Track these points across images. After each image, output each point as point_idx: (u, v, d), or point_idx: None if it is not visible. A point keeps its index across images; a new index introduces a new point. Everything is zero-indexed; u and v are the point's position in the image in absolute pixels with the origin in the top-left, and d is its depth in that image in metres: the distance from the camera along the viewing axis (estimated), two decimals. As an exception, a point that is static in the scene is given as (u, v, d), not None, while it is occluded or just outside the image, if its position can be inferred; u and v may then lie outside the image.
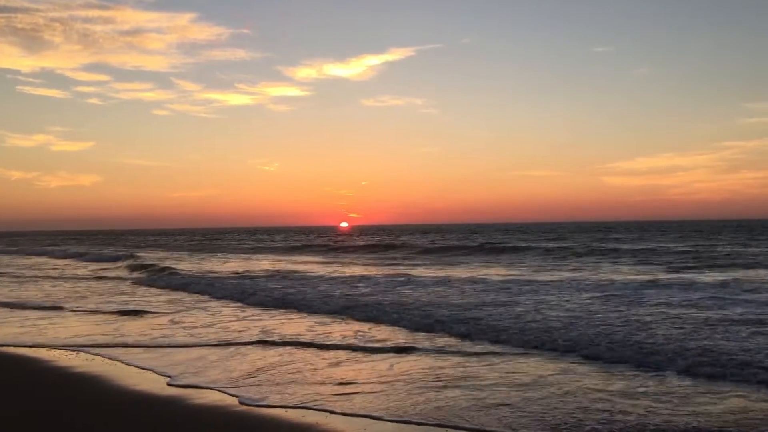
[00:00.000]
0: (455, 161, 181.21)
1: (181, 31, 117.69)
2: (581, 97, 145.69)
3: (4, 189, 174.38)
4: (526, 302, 13.22)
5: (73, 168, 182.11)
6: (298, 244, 57.49)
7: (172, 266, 28.05)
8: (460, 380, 7.15)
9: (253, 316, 12.93)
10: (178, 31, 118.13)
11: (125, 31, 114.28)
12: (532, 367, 7.80)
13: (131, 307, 14.44)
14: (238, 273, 24.28)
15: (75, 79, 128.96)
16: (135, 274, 25.56)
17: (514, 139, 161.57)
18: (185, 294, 17.58)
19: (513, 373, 7.48)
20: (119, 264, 32.29)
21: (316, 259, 37.28)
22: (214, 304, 15.13)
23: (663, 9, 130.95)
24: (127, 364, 8.40)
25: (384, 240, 60.30)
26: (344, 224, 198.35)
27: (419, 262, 31.04)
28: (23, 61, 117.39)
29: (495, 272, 22.61)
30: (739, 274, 19.91)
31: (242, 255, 42.60)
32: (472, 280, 18.27)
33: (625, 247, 37.55)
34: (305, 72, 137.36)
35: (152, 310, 13.97)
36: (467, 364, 8.02)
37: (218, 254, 44.21)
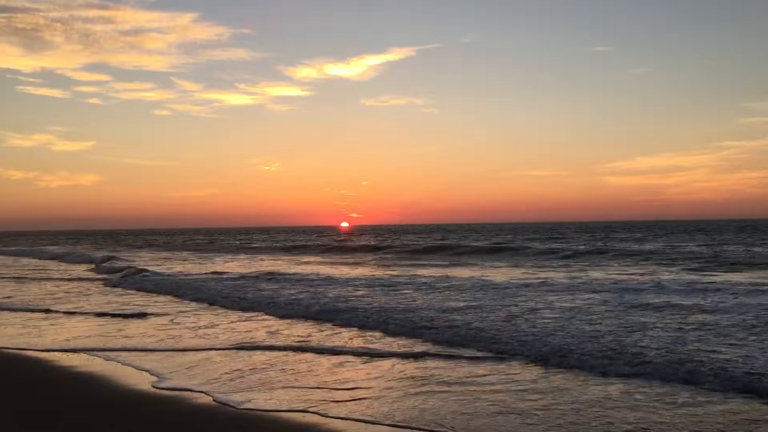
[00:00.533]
0: (455, 161, 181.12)
1: (182, 31, 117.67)
2: (581, 97, 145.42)
3: (4, 189, 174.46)
4: (525, 303, 13.13)
5: (73, 168, 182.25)
6: (298, 244, 57.43)
7: (148, 267, 27.24)
8: (454, 385, 7.07)
9: (249, 318, 12.86)
10: (178, 30, 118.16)
11: (126, 31, 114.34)
12: (529, 371, 7.72)
13: (105, 309, 14.10)
14: (236, 273, 24.20)
15: (75, 79, 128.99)
16: (108, 276, 25.16)
17: (514, 139, 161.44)
18: (159, 296, 17.12)
19: (509, 378, 7.40)
20: (94, 265, 31.94)
21: (316, 259, 37.24)
22: (204, 306, 14.89)
23: (663, 9, 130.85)
24: (123, 363, 8.35)
25: (384, 240, 60.29)
26: (345, 224, 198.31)
27: (419, 263, 30.98)
28: (23, 61, 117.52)
29: (495, 272, 22.54)
30: (742, 274, 19.83)
31: (242, 255, 42.56)
32: (472, 281, 18.18)
33: (627, 247, 37.47)
34: (305, 72, 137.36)
35: (127, 313, 13.43)
36: (463, 368, 7.93)
37: (217, 254, 44.19)
